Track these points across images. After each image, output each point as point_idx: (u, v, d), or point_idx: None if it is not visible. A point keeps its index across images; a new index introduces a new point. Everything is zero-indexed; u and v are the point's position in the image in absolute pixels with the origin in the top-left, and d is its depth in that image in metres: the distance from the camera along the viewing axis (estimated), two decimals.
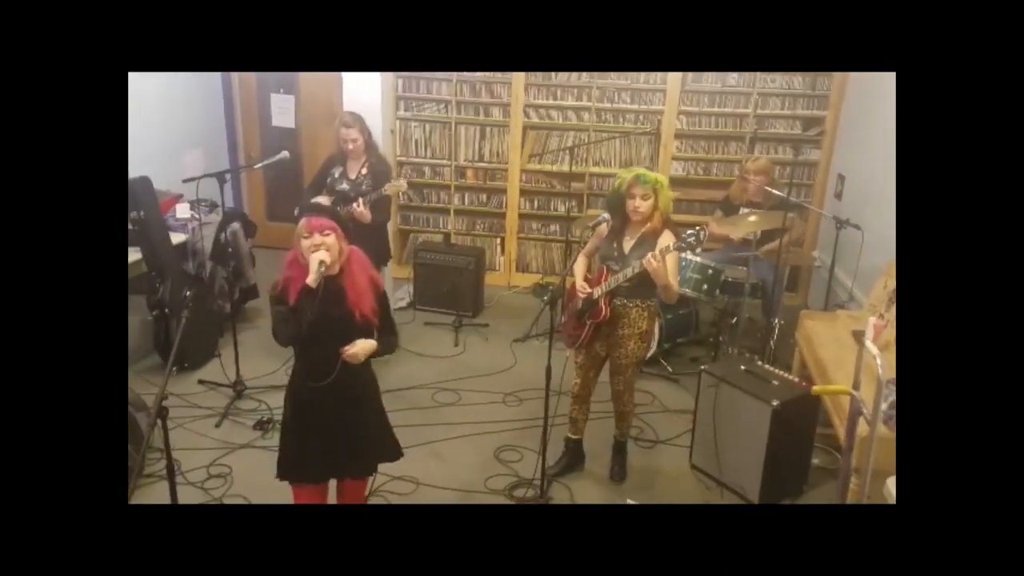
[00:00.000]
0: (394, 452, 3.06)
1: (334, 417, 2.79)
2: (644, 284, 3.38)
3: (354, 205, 4.21)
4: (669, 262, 3.32)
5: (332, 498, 3.10)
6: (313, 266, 2.61)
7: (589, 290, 3.47)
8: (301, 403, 2.81)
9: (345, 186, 4.47)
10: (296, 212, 2.79)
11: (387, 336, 2.89)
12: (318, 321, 2.65)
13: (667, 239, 3.32)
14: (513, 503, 3.62)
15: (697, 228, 3.22)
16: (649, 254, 3.23)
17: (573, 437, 3.88)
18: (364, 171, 4.47)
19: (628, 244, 3.45)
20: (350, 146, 4.39)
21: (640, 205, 3.35)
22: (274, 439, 3.07)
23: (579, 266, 3.63)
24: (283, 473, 2.88)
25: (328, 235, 2.67)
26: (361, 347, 2.72)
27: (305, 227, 2.67)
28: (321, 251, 2.63)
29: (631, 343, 3.52)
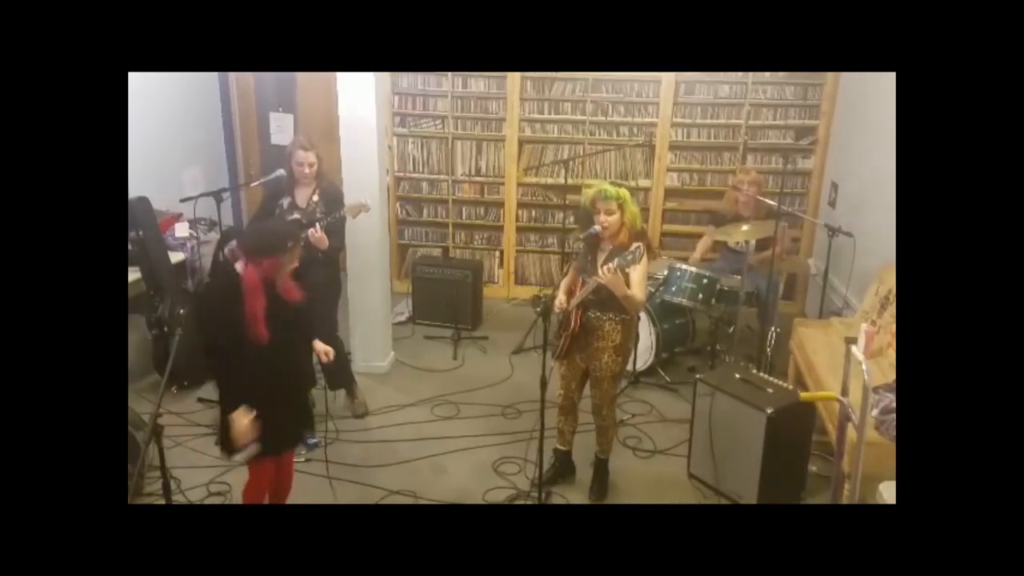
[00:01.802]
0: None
1: (289, 393, 3.10)
2: (615, 298, 3.39)
3: (310, 231, 3.92)
4: (634, 275, 3.36)
5: None
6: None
7: (561, 304, 3.54)
8: (259, 385, 2.93)
9: (296, 215, 4.20)
10: (285, 243, 2.89)
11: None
12: (283, 325, 2.93)
13: None
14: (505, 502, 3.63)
15: (636, 247, 3.27)
16: (604, 267, 3.27)
17: (561, 448, 3.91)
18: (315, 198, 4.22)
19: (601, 257, 3.47)
20: (306, 170, 4.13)
21: (605, 220, 3.39)
22: None
23: (567, 279, 3.67)
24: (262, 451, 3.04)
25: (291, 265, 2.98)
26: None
27: (296, 254, 2.94)
28: None
29: (605, 356, 3.53)
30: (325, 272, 4.17)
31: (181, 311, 2.86)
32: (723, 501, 3.75)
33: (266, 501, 3.25)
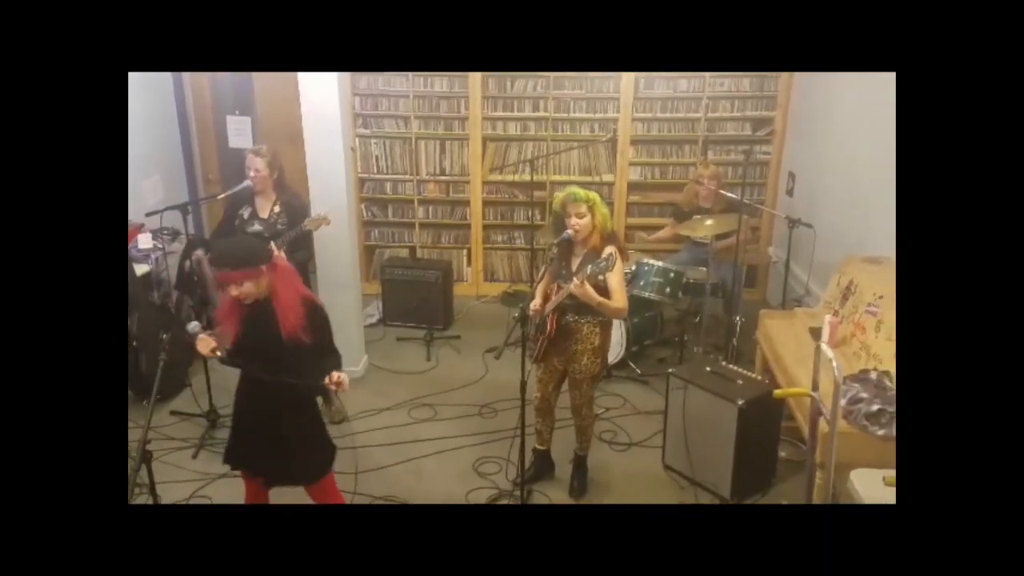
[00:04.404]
0: (324, 465, 3.06)
1: (270, 426, 2.92)
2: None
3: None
4: (612, 282, 3.39)
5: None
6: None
7: (535, 309, 3.57)
8: (246, 405, 2.99)
9: (258, 227, 4.18)
10: (209, 257, 2.76)
11: (325, 358, 2.82)
12: (252, 344, 2.79)
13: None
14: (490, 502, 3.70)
15: (608, 255, 3.31)
16: (575, 280, 3.30)
17: (540, 448, 3.98)
18: (277, 209, 4.22)
19: (575, 263, 3.52)
20: (251, 173, 4.14)
21: (576, 224, 3.42)
22: None
23: (542, 283, 3.72)
24: (228, 459, 3.13)
25: (243, 284, 2.68)
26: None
27: (220, 280, 2.71)
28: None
29: (584, 358, 3.58)
30: None
31: (164, 336, 2.82)
32: (699, 491, 3.86)
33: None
